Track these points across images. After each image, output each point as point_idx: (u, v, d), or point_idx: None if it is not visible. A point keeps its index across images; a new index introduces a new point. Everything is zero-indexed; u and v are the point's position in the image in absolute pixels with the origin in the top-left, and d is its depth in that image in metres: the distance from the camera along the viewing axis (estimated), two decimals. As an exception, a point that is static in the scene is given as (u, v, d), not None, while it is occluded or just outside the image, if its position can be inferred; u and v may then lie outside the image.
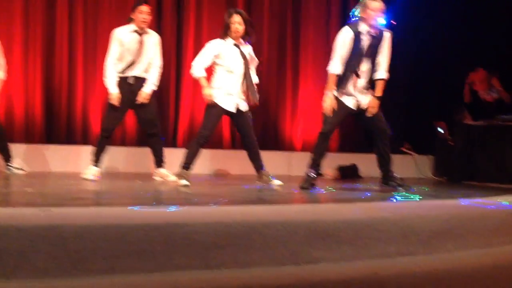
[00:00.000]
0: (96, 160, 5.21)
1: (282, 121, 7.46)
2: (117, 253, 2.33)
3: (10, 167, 5.62)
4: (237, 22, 4.93)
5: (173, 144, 6.86)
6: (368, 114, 4.63)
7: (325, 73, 7.20)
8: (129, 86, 5.20)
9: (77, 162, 6.26)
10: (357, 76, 4.58)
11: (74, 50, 6.62)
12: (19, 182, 4.87)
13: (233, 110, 4.98)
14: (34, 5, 6.45)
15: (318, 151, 4.68)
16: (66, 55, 6.60)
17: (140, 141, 6.59)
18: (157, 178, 5.37)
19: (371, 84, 4.67)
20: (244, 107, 5.04)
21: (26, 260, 2.15)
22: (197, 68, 4.94)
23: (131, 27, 5.26)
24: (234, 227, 2.57)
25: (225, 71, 4.96)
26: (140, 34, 5.26)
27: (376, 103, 4.63)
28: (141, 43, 5.24)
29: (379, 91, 4.65)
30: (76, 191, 4.09)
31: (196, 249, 2.44)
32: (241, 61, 4.96)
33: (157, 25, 6.80)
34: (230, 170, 6.86)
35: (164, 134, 6.46)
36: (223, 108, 4.95)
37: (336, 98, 4.63)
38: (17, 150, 5.98)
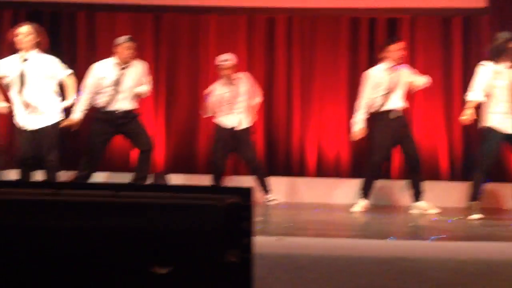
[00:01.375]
0: (365, 194, 5.34)
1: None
2: (347, 285, 2.35)
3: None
4: None
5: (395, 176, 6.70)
6: None
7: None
8: (391, 121, 5.25)
9: (293, 193, 6.51)
10: None
11: (291, 89, 6.97)
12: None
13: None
14: (256, 49, 6.98)
15: None
16: (284, 94, 6.97)
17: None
18: (415, 211, 5.27)
19: None
20: None
21: (267, 287, 2.28)
22: (474, 92, 4.86)
23: (384, 65, 5.31)
24: (470, 265, 2.42)
25: (499, 93, 4.81)
26: (395, 70, 5.31)
27: None
28: (394, 78, 5.27)
29: None
30: (303, 222, 4.25)
31: (429, 286, 2.35)
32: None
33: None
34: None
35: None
36: (502, 133, 4.78)
37: None
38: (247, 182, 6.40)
